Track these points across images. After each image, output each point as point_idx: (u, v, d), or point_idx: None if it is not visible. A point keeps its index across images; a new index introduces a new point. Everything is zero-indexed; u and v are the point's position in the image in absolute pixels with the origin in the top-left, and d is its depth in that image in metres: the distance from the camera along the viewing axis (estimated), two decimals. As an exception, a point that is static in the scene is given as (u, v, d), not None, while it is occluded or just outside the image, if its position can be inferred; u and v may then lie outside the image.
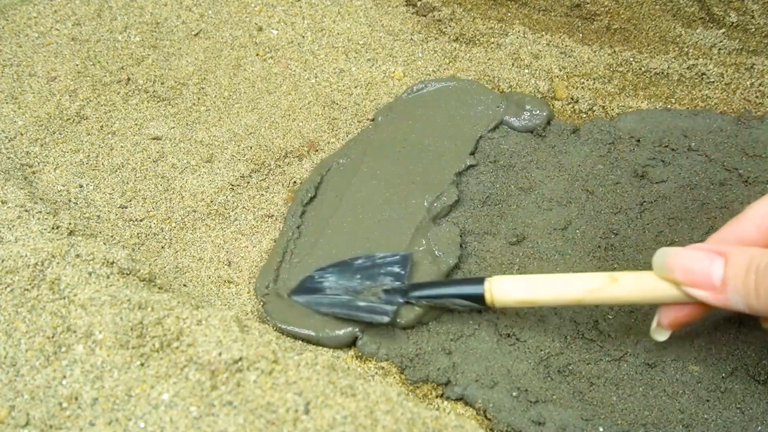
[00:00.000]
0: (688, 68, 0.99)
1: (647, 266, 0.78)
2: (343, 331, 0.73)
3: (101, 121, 0.94)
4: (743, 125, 0.90)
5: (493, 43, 1.05)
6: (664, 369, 0.70)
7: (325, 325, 0.74)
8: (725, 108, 0.94)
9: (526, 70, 1.01)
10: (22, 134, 0.90)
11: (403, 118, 0.94)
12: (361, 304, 0.73)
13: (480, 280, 0.69)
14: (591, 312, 0.75)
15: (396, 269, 0.75)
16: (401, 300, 0.72)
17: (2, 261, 0.67)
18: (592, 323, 0.74)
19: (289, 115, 0.97)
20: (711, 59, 1.00)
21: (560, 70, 1.01)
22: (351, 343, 0.74)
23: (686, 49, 1.02)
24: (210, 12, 1.09)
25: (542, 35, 1.05)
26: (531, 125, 0.92)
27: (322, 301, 0.75)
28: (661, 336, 0.66)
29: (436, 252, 0.78)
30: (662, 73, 1.00)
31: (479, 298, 0.68)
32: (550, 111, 0.93)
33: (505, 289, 0.67)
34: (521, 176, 0.87)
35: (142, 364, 0.61)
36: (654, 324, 0.66)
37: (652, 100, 0.96)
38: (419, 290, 0.73)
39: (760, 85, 0.96)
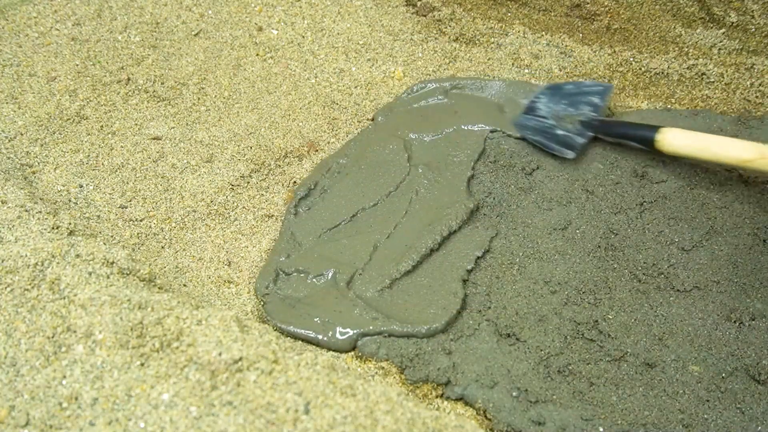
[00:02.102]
0: (688, 68, 0.99)
1: (647, 266, 0.78)
2: (344, 336, 0.73)
3: (101, 121, 0.94)
4: (743, 125, 0.90)
5: (493, 43, 1.05)
6: (664, 369, 0.70)
7: (325, 327, 0.74)
8: (725, 108, 0.94)
9: (526, 70, 1.01)
10: (22, 134, 0.90)
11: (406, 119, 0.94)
12: (559, 132, 0.88)
13: (656, 128, 0.83)
14: (591, 312, 0.75)
15: (596, 99, 0.90)
16: (591, 134, 0.88)
17: (2, 261, 0.67)
18: (592, 323, 0.74)
19: (289, 115, 0.97)
20: (711, 59, 1.00)
21: (560, 70, 1.01)
22: (351, 348, 0.74)
23: (686, 49, 1.02)
24: (210, 12, 1.09)
25: (542, 35, 1.05)
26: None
27: (528, 123, 0.90)
28: None
29: None
30: (662, 73, 1.00)
31: (651, 142, 0.83)
32: None
33: (673, 139, 0.82)
34: (521, 176, 0.87)
35: (142, 364, 0.61)
36: None
37: (652, 100, 0.96)
38: (606, 127, 0.88)
39: (760, 85, 0.96)
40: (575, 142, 0.87)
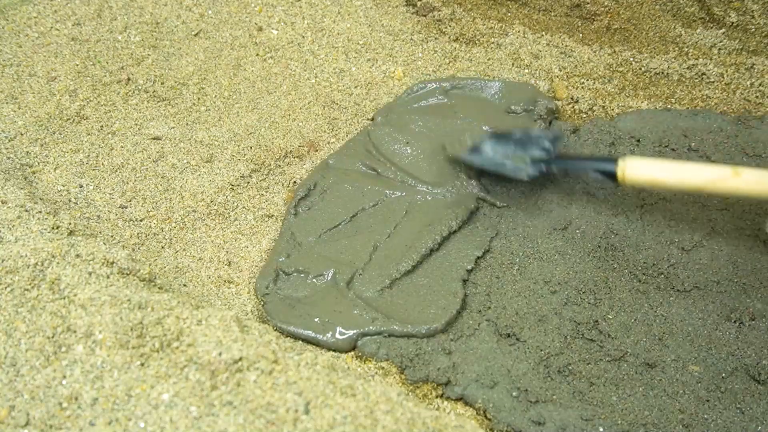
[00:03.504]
0: (688, 68, 0.99)
1: (647, 266, 0.78)
2: (344, 336, 0.73)
3: (101, 121, 0.94)
4: (743, 125, 0.90)
5: (493, 43, 1.05)
6: (664, 369, 0.70)
7: (325, 327, 0.74)
8: (725, 108, 0.94)
9: (526, 70, 1.01)
10: (22, 134, 0.90)
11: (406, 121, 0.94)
12: (509, 163, 0.82)
13: (615, 159, 0.76)
14: (591, 312, 0.75)
15: (547, 144, 0.82)
16: (544, 168, 0.81)
17: (2, 261, 0.67)
18: (592, 323, 0.74)
19: (289, 115, 0.97)
20: (711, 59, 1.00)
21: (560, 70, 1.01)
22: (351, 348, 0.74)
23: (686, 49, 1.02)
24: (210, 12, 1.09)
25: (542, 35, 1.05)
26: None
27: (475, 159, 0.84)
28: None
29: None
30: (662, 73, 1.00)
31: (612, 174, 0.76)
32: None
33: (635, 168, 0.74)
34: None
35: (142, 364, 0.61)
36: None
37: (652, 100, 0.96)
38: (561, 162, 0.82)
39: (760, 85, 0.96)
40: (527, 170, 0.81)
